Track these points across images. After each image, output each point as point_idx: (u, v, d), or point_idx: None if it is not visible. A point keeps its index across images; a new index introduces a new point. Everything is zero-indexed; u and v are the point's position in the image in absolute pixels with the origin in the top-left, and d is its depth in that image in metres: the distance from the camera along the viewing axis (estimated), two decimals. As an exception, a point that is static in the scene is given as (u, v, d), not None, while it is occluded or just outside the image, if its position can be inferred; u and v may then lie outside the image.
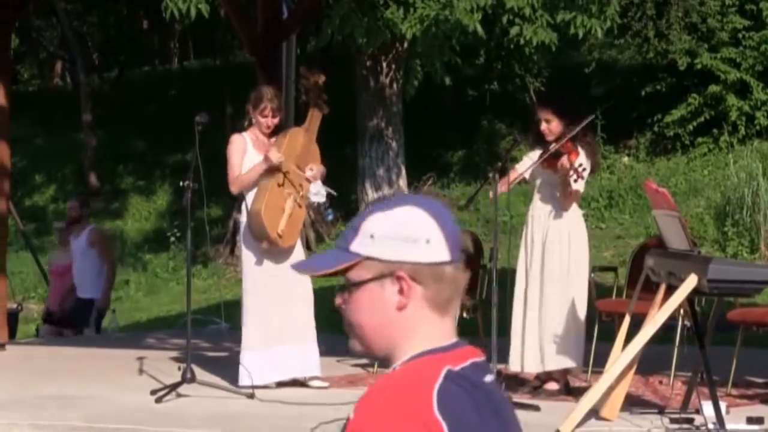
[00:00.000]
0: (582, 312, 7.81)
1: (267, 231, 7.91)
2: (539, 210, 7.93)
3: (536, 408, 7.28)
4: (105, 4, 26.53)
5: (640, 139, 18.24)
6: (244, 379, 7.84)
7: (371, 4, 13.31)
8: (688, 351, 7.71)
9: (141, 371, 8.75)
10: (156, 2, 12.71)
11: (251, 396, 7.63)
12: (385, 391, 2.10)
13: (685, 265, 6.75)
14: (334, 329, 7.79)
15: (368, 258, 2.16)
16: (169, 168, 22.88)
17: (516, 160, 8.76)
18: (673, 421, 6.79)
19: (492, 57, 19.53)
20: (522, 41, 13.76)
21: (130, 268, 19.72)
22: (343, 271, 2.19)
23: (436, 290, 2.15)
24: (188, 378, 7.66)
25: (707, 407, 6.64)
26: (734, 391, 7.79)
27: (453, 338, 2.18)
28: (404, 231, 2.14)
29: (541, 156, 7.85)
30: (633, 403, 7.23)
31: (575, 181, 7.61)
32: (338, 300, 2.20)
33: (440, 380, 2.09)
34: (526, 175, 8.01)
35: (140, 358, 9.14)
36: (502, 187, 7.70)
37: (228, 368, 8.29)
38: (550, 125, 7.85)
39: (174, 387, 7.65)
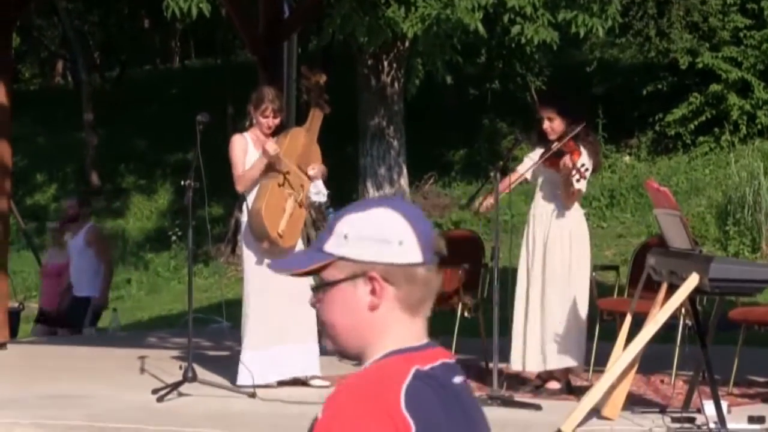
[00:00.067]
0: (583, 311, 7.81)
1: (267, 230, 7.91)
2: (541, 209, 7.93)
3: (538, 407, 7.28)
4: (106, 3, 26.54)
5: (641, 138, 18.24)
6: (245, 379, 7.83)
7: (372, 3, 13.28)
8: (689, 350, 7.71)
9: (142, 370, 8.75)
10: (157, 1, 12.70)
11: (252, 395, 7.63)
12: (354, 389, 2.11)
13: (686, 264, 6.74)
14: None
15: (341, 258, 2.17)
16: (170, 167, 22.86)
17: (517, 159, 8.76)
18: (674, 420, 6.79)
19: (493, 56, 19.54)
20: (523, 40, 13.73)
21: (132, 267, 19.72)
22: (317, 271, 2.20)
23: (408, 291, 2.16)
24: (189, 377, 7.66)
25: (709, 406, 6.64)
26: (736, 390, 7.80)
27: (424, 339, 2.20)
28: (377, 232, 2.16)
29: (543, 155, 7.85)
30: (634, 403, 7.23)
31: (578, 180, 7.61)
32: (312, 299, 2.22)
33: (409, 379, 2.10)
34: (527, 176, 8.01)
35: (141, 357, 9.14)
36: (502, 188, 7.72)
37: (229, 367, 8.29)
38: (553, 124, 7.84)
39: (175, 386, 7.65)
